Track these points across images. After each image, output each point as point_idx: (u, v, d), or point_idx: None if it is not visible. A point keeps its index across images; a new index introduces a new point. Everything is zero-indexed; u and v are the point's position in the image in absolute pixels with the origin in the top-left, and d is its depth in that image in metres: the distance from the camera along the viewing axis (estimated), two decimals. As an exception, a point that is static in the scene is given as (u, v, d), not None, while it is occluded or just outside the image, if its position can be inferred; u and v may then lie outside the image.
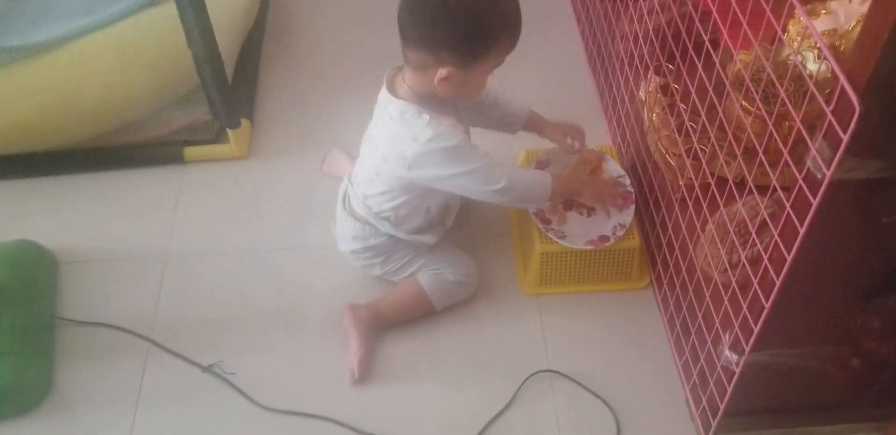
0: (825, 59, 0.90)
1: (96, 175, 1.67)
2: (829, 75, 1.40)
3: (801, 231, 0.91)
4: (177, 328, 1.43)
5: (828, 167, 0.86)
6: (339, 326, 1.41)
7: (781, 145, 1.01)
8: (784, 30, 1.54)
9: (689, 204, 1.29)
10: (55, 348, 1.39)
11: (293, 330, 1.43)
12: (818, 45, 1.41)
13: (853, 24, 1.47)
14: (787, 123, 1.39)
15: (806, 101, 1.15)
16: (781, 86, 1.26)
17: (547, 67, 1.93)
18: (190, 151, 1.69)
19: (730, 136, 1.22)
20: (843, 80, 0.83)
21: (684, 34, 1.33)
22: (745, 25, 1.09)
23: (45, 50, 1.59)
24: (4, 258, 1.43)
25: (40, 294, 1.44)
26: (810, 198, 0.89)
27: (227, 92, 1.61)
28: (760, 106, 1.27)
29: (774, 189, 1.04)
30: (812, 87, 0.95)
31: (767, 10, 1.02)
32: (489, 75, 1.27)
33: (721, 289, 1.16)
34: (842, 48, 1.46)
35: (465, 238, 1.55)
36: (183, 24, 1.47)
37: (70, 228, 1.58)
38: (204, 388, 1.35)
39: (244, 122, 1.71)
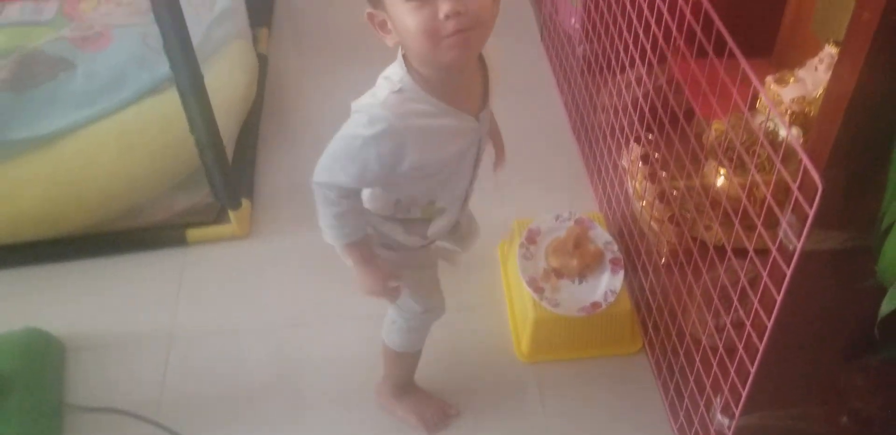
0: (789, 135, 0.96)
1: (101, 260, 1.72)
2: (802, 140, 1.47)
3: (778, 298, 0.97)
4: (183, 409, 1.46)
5: (798, 239, 0.92)
6: (343, 402, 1.44)
7: (754, 216, 1.07)
8: (755, 98, 1.61)
9: (675, 269, 1.34)
10: (65, 435, 1.42)
11: (298, 407, 1.46)
12: (785, 121, 1.49)
13: (820, 91, 1.55)
14: (770, 185, 1.45)
15: (775, 172, 1.20)
16: (753, 154, 1.33)
17: (534, 136, 2.00)
18: (192, 233, 1.75)
19: (707, 203, 1.28)
20: (805, 159, 0.89)
21: (660, 107, 1.41)
22: (711, 97, 1.15)
23: (51, 140, 1.66)
24: (13, 347, 1.46)
25: (49, 381, 1.47)
26: (784, 268, 0.95)
27: (229, 174, 1.68)
28: (731, 175, 1.34)
29: (752, 255, 1.09)
30: (778, 163, 1.00)
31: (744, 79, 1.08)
32: (417, 17, 0.97)
33: (709, 352, 1.20)
34: (811, 114, 1.53)
35: (459, 311, 1.59)
36: (186, 112, 1.54)
37: (77, 313, 1.62)
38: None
39: (244, 202, 1.77)
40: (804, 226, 0.91)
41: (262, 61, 2.18)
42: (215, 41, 1.92)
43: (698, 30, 1.16)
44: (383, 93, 1.04)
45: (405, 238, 1.21)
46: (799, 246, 0.92)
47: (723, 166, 1.41)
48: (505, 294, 1.64)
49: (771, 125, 1.55)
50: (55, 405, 1.44)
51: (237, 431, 1.41)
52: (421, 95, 1.04)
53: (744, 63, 1.01)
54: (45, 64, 1.79)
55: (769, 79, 1.63)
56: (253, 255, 1.74)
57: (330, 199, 1.11)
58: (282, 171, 1.94)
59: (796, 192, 0.91)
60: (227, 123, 1.80)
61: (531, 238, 1.56)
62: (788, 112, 1.57)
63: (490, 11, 0.99)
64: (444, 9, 0.95)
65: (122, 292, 1.67)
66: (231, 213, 1.74)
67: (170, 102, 1.67)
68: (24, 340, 1.49)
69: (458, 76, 1.07)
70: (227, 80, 1.90)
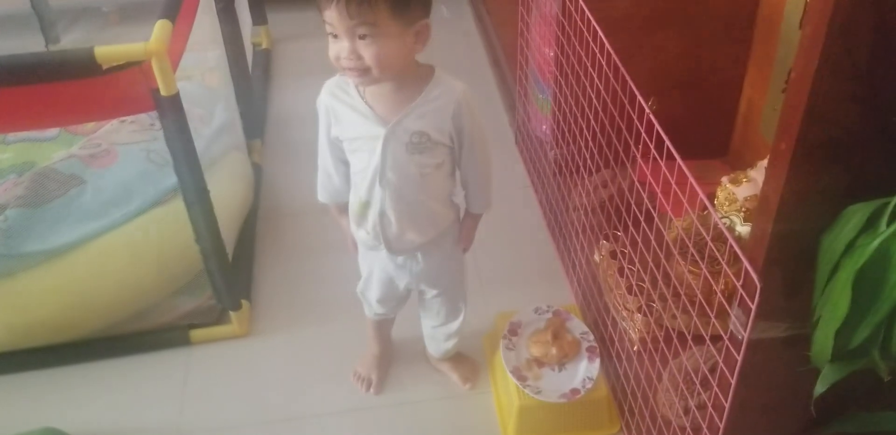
0: (732, 243, 1.11)
1: (111, 362, 1.81)
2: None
3: (733, 382, 1.09)
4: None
5: (745, 330, 1.05)
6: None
7: (708, 308, 1.20)
8: (713, 197, 1.77)
9: (645, 356, 1.47)
10: None
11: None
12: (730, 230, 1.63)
13: (768, 190, 1.70)
14: (723, 280, 1.59)
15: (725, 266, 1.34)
16: (706, 251, 1.47)
17: (512, 234, 2.15)
18: (195, 334, 1.85)
19: (669, 296, 1.42)
20: (745, 262, 1.04)
21: (624, 208, 1.55)
22: (663, 199, 1.30)
23: (63, 253, 1.77)
24: (32, 447, 1.55)
25: (66, 479, 1.55)
26: (735, 354, 1.08)
27: (229, 278, 1.80)
28: (687, 270, 1.48)
29: (709, 342, 1.22)
30: (724, 265, 1.15)
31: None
32: (331, 47, 1.22)
33: (678, 432, 1.31)
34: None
35: (448, 399, 1.70)
36: (192, 223, 1.66)
37: (90, 413, 1.71)
38: None
39: (244, 303, 1.88)
40: (749, 318, 1.04)
41: (257, 170, 2.34)
42: (214, 153, 2.06)
43: (651, 145, 1.31)
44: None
45: (355, 230, 1.47)
46: (746, 335, 1.05)
47: (683, 261, 1.56)
48: (491, 383, 1.75)
49: (727, 221, 1.71)
50: (73, 503, 1.52)
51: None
52: (349, 86, 1.32)
53: (685, 168, 1.16)
54: (58, 181, 1.92)
55: (724, 178, 1.78)
56: (253, 353, 1.84)
57: (322, 152, 1.41)
58: (277, 272, 2.06)
59: (740, 290, 1.05)
60: (227, 230, 1.93)
61: (513, 330, 1.68)
62: (743, 209, 1.72)
63: (389, 58, 1.20)
64: (337, 51, 1.20)
65: (130, 392, 1.76)
66: (232, 314, 1.85)
67: (173, 213, 1.80)
68: (42, 441, 1.57)
69: (376, 87, 1.30)
70: (226, 189, 2.03)
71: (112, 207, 1.85)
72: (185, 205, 1.65)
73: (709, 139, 2.06)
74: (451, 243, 1.52)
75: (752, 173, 1.77)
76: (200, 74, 2.49)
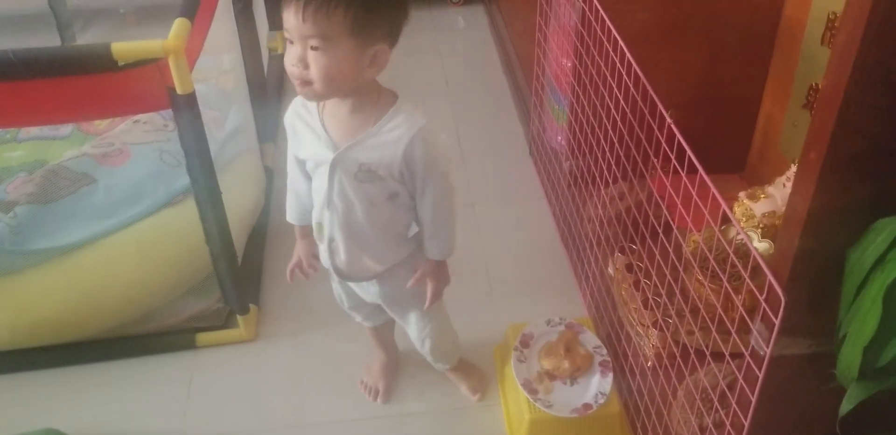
0: (756, 256, 1.08)
1: (116, 363, 1.79)
2: (773, 251, 1.59)
3: (753, 399, 1.06)
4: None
5: (767, 346, 1.03)
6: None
7: (728, 324, 1.18)
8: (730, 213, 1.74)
9: (660, 371, 1.44)
10: None
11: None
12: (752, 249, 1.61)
13: (788, 206, 1.68)
14: (741, 296, 1.56)
15: (745, 282, 1.32)
16: (731, 264, 1.45)
17: (525, 245, 2.13)
18: (202, 337, 1.83)
19: (687, 311, 1.39)
20: (769, 275, 1.01)
21: (641, 220, 1.53)
22: (682, 211, 1.28)
23: (72, 251, 1.76)
24: (33, 447, 1.52)
25: (66, 481, 1.52)
26: (756, 371, 1.05)
27: (238, 281, 1.78)
28: (706, 284, 1.45)
29: (729, 359, 1.19)
30: (745, 275, 1.12)
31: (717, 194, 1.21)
32: (289, 47, 1.16)
33: (694, 452, 1.29)
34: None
35: (457, 411, 1.67)
36: (203, 224, 1.64)
37: (93, 414, 1.68)
38: None
39: (252, 307, 1.86)
40: (772, 334, 1.01)
41: (269, 173, 2.32)
42: (227, 156, 2.06)
43: (672, 155, 1.29)
44: None
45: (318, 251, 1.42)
46: (768, 352, 1.02)
47: (701, 276, 1.53)
48: (500, 395, 1.72)
49: (743, 238, 1.68)
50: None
51: None
52: (312, 104, 1.27)
53: (709, 182, 1.14)
54: (69, 178, 1.91)
55: (742, 194, 1.76)
56: (259, 358, 1.82)
57: (290, 171, 1.38)
58: (286, 277, 2.04)
59: (763, 304, 1.03)
60: (238, 233, 1.91)
61: (525, 342, 1.65)
62: (760, 225, 1.70)
63: (334, 75, 1.15)
64: (289, 57, 1.15)
65: (135, 394, 1.73)
66: (239, 318, 1.82)
67: (184, 214, 1.79)
68: (43, 442, 1.55)
69: (334, 108, 1.25)
70: (237, 191, 2.01)
71: (123, 206, 1.85)
72: (196, 206, 1.63)
73: (726, 154, 2.04)
74: (408, 277, 1.40)
75: (770, 189, 1.76)
76: (216, 77, 2.49)
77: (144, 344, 1.82)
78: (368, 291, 1.46)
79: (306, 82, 1.16)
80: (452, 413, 1.68)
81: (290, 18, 1.12)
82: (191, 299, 1.84)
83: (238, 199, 1.99)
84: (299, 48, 1.14)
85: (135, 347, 1.81)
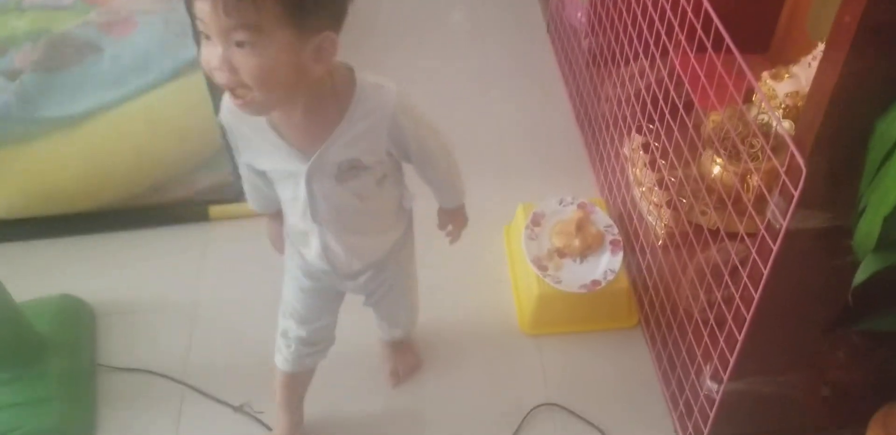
0: (779, 126, 1.06)
1: (130, 233, 1.81)
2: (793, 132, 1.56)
3: (765, 273, 1.06)
4: (208, 372, 1.55)
5: (784, 218, 1.01)
6: (362, 362, 1.55)
7: (746, 200, 1.16)
8: (751, 92, 1.70)
9: (671, 250, 1.44)
10: (97, 394, 1.52)
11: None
12: (776, 110, 1.58)
13: (812, 86, 1.64)
14: (760, 175, 1.55)
15: (766, 160, 1.30)
16: (748, 144, 1.43)
17: (538, 125, 2.09)
18: (214, 210, 1.84)
19: (703, 190, 1.38)
20: (791, 145, 0.99)
21: (661, 99, 1.50)
22: (709, 90, 1.24)
23: (82, 120, 1.74)
24: (49, 311, 1.56)
25: (82, 343, 1.56)
26: (771, 244, 1.04)
27: (249, 155, 1.76)
28: (727, 164, 1.43)
29: (744, 237, 1.19)
30: (767, 150, 1.10)
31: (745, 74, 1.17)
32: (204, 44, 0.90)
33: (701, 325, 1.30)
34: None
35: (466, 285, 1.69)
36: (212, 96, 1.62)
37: (107, 282, 1.71)
38: (237, 427, 1.48)
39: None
40: (790, 206, 1.00)
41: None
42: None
43: (698, 26, 1.25)
44: None
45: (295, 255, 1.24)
46: (785, 224, 1.01)
47: (719, 156, 1.51)
48: (509, 272, 1.73)
49: (764, 118, 1.64)
50: (89, 365, 1.54)
51: (261, 392, 1.49)
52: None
53: (739, 58, 1.10)
54: (74, 47, 1.87)
55: (765, 74, 1.71)
56: (271, 231, 1.83)
57: (240, 165, 1.14)
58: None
59: (783, 176, 1.01)
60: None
61: (536, 220, 1.65)
62: (782, 106, 1.66)
63: (274, 76, 0.89)
64: (208, 57, 0.89)
65: (149, 263, 1.76)
66: (253, 194, 1.82)
67: (193, 87, 1.75)
68: (59, 306, 1.59)
69: (280, 113, 1.01)
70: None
71: (130, 76, 1.81)
72: (205, 78, 1.59)
73: (751, 33, 1.96)
74: (398, 262, 1.28)
75: (794, 69, 1.71)
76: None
77: (157, 215, 1.83)
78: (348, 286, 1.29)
79: (241, 89, 0.90)
80: (461, 288, 1.70)
81: (205, 8, 0.85)
82: (202, 172, 1.83)
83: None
84: (220, 46, 0.87)
85: (148, 217, 1.82)
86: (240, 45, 0.86)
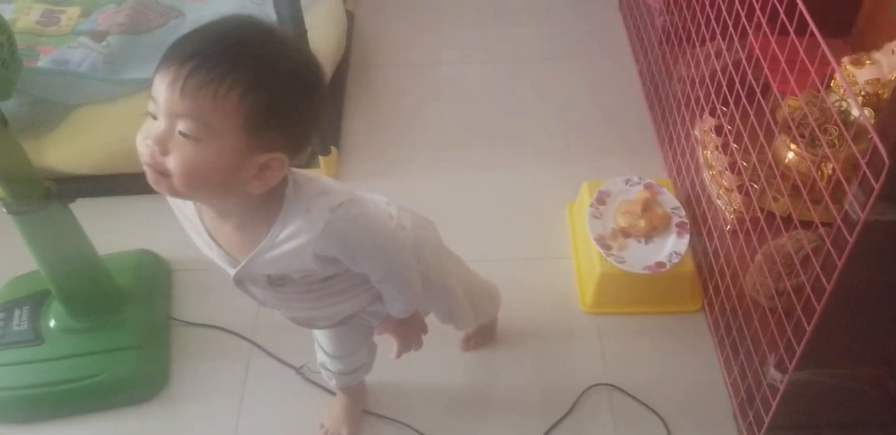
0: (862, 115, 1.04)
1: (205, 195, 1.86)
2: (873, 120, 1.54)
3: (840, 264, 1.06)
4: (274, 332, 1.60)
5: (862, 210, 1.01)
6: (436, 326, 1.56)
7: (823, 188, 1.15)
8: (831, 78, 1.67)
9: (740, 235, 1.44)
10: (171, 346, 1.58)
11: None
12: (857, 99, 1.55)
13: (895, 74, 1.60)
14: (838, 164, 1.52)
15: (845, 148, 1.28)
16: (825, 131, 1.41)
17: (606, 102, 2.09)
18: (284, 173, 1.87)
19: (778, 176, 1.37)
20: (875, 136, 0.98)
21: (737, 81, 1.48)
22: (789, 74, 1.23)
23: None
24: (128, 265, 1.62)
25: (158, 297, 1.63)
26: (847, 236, 1.04)
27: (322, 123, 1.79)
28: (804, 151, 1.42)
29: (818, 226, 1.18)
30: (848, 138, 1.09)
31: (819, 60, 1.16)
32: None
33: (768, 313, 1.30)
34: (885, 96, 1.59)
35: (527, 261, 1.70)
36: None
37: (183, 239, 1.75)
38: (301, 386, 1.53)
39: (332, 149, 1.88)
40: (869, 198, 0.99)
41: (350, 18, 2.28)
42: (311, -5, 2.03)
43: (781, 9, 1.23)
44: None
45: None
46: (863, 216, 1.00)
47: (794, 142, 1.49)
48: (572, 249, 1.74)
49: (843, 105, 1.62)
50: (163, 318, 1.61)
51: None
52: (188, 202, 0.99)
53: (823, 45, 1.09)
54: (158, 11, 1.92)
55: (845, 60, 1.68)
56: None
57: None
58: (365, 121, 2.05)
59: (864, 168, 1.00)
60: (322, 74, 1.91)
61: (601, 199, 1.66)
62: (862, 93, 1.63)
63: (199, 176, 0.83)
64: (146, 131, 0.84)
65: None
66: (321, 159, 1.86)
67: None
68: (138, 260, 1.65)
69: (214, 215, 0.97)
70: (321, 31, 1.99)
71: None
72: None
73: (832, 17, 1.92)
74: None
75: (876, 56, 1.67)
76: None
77: (231, 178, 1.86)
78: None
79: (160, 174, 0.83)
80: (523, 263, 1.72)
81: (162, 87, 0.81)
82: (274, 138, 1.86)
83: (321, 39, 1.98)
84: (163, 125, 0.82)
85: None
86: (183, 134, 0.81)
